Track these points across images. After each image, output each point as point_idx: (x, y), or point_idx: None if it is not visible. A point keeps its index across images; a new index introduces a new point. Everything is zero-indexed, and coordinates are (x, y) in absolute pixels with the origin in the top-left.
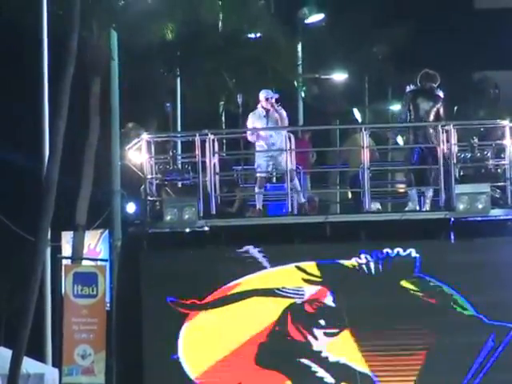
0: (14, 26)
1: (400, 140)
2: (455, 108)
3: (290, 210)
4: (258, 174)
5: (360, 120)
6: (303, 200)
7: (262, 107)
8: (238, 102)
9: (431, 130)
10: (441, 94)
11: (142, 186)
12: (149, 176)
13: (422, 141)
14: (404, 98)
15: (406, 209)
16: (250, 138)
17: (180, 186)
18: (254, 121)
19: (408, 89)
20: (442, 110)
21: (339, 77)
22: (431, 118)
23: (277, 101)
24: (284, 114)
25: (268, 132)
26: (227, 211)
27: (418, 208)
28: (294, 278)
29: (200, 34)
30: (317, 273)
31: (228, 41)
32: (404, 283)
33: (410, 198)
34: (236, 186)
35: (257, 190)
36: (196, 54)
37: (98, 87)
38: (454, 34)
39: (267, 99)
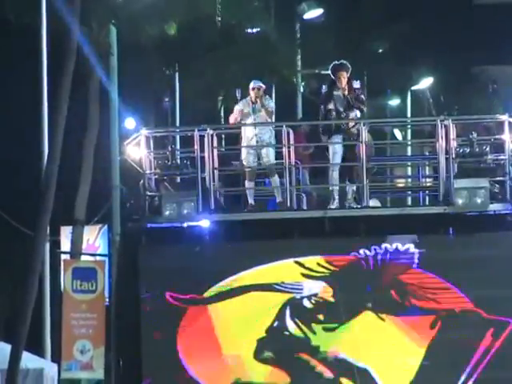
0: (13, 25)
1: (398, 134)
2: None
3: (281, 202)
4: (245, 168)
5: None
6: (280, 199)
7: (250, 96)
8: (237, 97)
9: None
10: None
11: (141, 181)
12: (147, 171)
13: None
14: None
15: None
16: (232, 120)
17: (179, 181)
18: (240, 108)
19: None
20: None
21: None
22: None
23: (264, 92)
24: (272, 105)
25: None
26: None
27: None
28: (293, 272)
29: (198, 30)
30: (316, 268)
31: (226, 36)
32: (403, 278)
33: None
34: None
35: (247, 184)
36: (194, 50)
37: (97, 82)
38: (452, 29)
39: (253, 89)
